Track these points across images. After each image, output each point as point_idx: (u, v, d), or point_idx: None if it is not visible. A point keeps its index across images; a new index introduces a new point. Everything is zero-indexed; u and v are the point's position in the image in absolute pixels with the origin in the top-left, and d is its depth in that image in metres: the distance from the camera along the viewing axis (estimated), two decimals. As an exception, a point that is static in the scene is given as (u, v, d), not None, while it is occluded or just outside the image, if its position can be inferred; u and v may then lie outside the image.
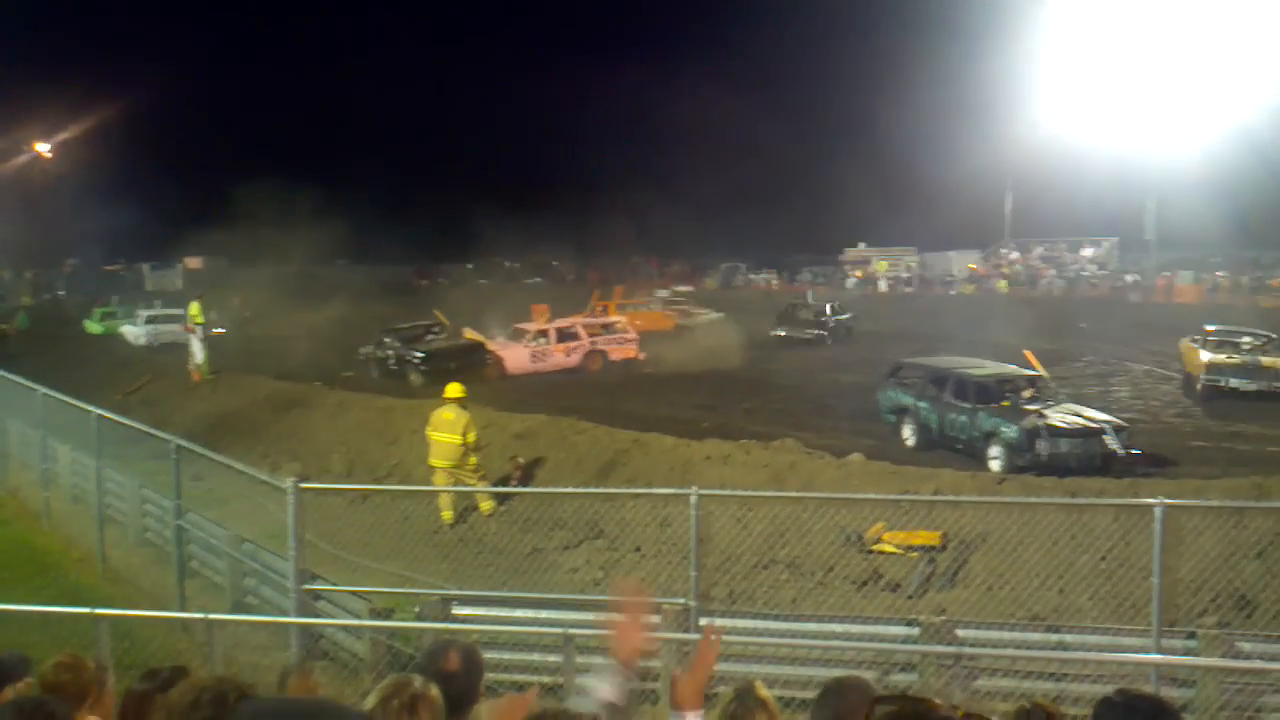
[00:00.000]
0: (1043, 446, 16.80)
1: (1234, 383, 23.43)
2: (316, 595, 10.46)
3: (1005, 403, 18.27)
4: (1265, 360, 23.72)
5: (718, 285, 64.61)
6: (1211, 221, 51.99)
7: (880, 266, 63.86)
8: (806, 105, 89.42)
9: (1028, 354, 21.33)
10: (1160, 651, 8.25)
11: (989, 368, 20.13)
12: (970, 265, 63.84)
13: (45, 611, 9.36)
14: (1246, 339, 25.22)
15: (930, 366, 20.73)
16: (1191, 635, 8.89)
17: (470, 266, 71.79)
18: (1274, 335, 25.28)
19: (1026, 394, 18.82)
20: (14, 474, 18.73)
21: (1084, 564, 11.48)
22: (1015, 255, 64.51)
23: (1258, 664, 8.49)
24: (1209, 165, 45.66)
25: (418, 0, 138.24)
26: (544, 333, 30.87)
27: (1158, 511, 8.33)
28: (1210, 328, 26.27)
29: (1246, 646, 8.75)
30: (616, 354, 31.32)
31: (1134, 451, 17.24)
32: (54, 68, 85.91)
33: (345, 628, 10.32)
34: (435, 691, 3.71)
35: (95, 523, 14.43)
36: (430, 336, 31.03)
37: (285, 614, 10.29)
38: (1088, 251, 62.28)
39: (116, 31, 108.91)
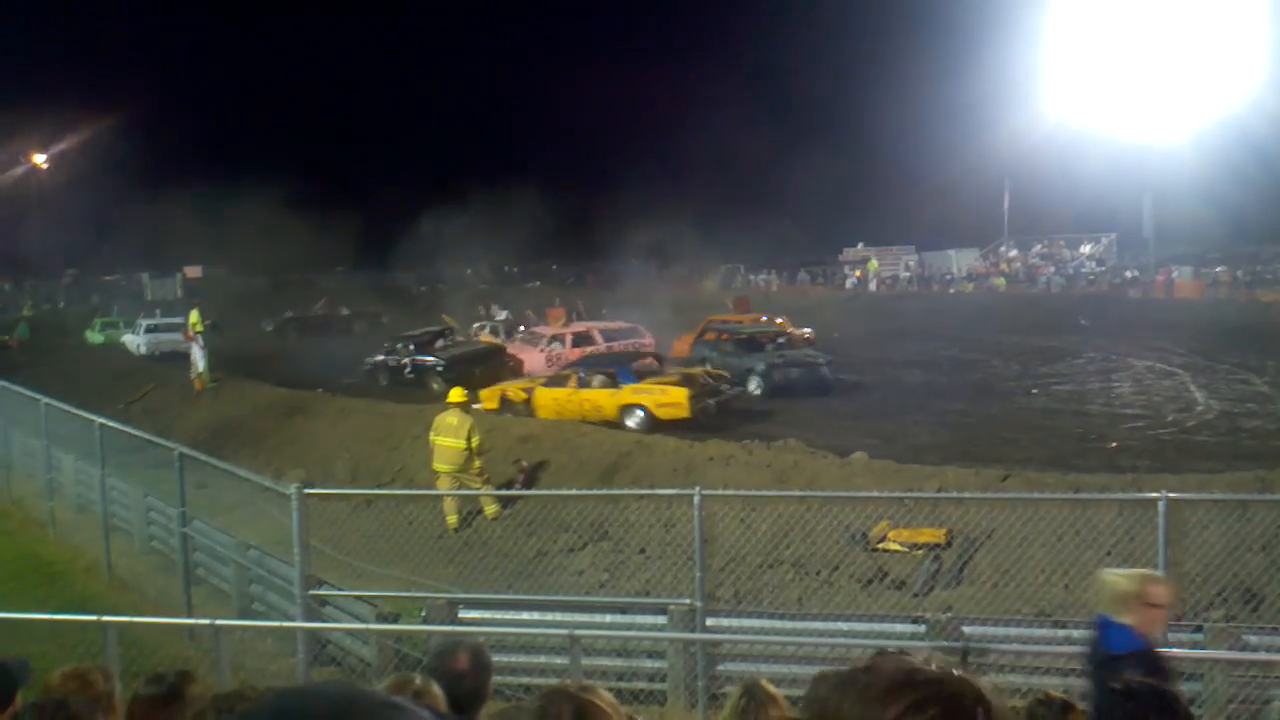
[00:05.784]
0: (778, 374, 25.50)
1: None
2: (322, 600, 10.49)
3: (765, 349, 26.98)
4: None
5: (717, 286, 64.55)
6: (1209, 217, 52.02)
7: (871, 266, 63.39)
8: (804, 105, 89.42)
9: (778, 319, 31.79)
10: (1167, 645, 8.25)
11: (753, 327, 30.18)
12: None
13: (53, 620, 9.39)
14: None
15: (720, 326, 30.47)
16: (1198, 629, 8.91)
17: (470, 271, 71.76)
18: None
19: (778, 343, 27.72)
20: (18, 484, 18.77)
21: (1089, 559, 11.47)
22: (1014, 253, 64.47)
23: (1264, 656, 8.50)
24: (1206, 161, 45.68)
25: (415, 8, 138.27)
26: (559, 337, 30.68)
27: (1161, 505, 8.33)
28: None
29: (1253, 639, 8.75)
30: None
31: (840, 378, 26.72)
32: (51, 79, 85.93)
33: (352, 632, 10.35)
34: (437, 689, 3.74)
35: (100, 532, 14.46)
36: (442, 342, 30.96)
37: (291, 620, 10.32)
38: (1086, 248, 62.21)
39: (114, 42, 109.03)
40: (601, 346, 30.14)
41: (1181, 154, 46.27)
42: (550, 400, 22.25)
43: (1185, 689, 7.81)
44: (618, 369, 22.72)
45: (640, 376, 22.78)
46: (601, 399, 21.85)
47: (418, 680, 3.78)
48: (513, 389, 23.59)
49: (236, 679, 8.30)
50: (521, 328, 34.79)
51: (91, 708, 4.19)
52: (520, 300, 49.06)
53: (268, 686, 3.54)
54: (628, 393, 21.69)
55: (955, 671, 1.53)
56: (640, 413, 21.25)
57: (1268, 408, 21.86)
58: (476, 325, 36.55)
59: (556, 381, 23.02)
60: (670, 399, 21.26)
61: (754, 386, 25.55)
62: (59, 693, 4.39)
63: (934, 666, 1.54)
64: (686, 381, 22.39)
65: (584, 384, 22.36)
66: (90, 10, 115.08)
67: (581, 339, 30.45)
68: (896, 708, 1.48)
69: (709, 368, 25.31)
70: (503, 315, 40.32)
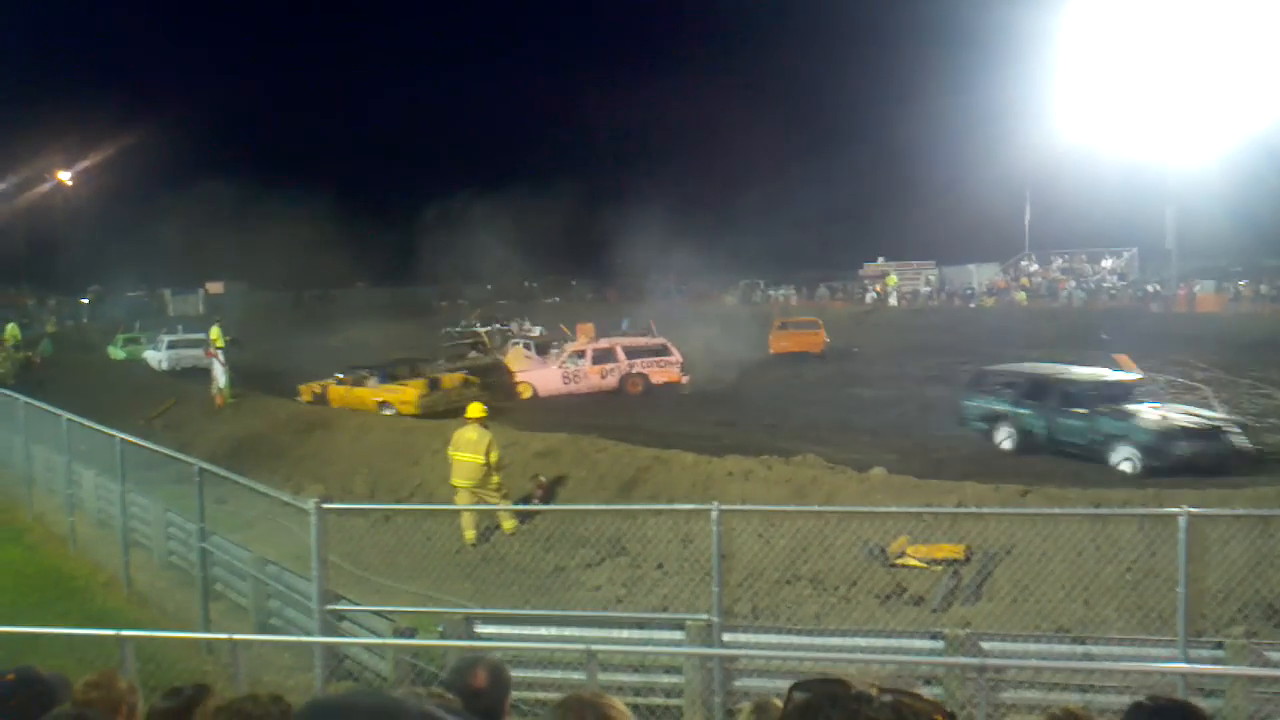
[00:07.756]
0: (1180, 447, 16.99)
1: None
2: (340, 616, 10.48)
3: (1126, 407, 18.40)
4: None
5: (737, 301, 64.57)
6: (1232, 231, 51.69)
7: (890, 281, 63.09)
8: (824, 119, 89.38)
9: (1122, 358, 22.71)
10: (1187, 662, 8.18)
11: (1089, 373, 20.67)
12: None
13: (71, 634, 9.43)
14: None
15: (1026, 373, 20.83)
16: (1219, 645, 8.82)
17: (489, 288, 71.93)
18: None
19: (1130, 397, 19.07)
20: (40, 499, 18.85)
21: (1109, 575, 11.41)
22: (1035, 267, 64.26)
23: (1286, 673, 8.41)
24: (1228, 174, 45.37)
25: (437, 25, 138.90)
26: (580, 353, 30.62)
27: (1181, 521, 8.26)
28: None
29: (1275, 656, 8.67)
30: (659, 377, 30.26)
31: (1255, 447, 17.83)
32: (75, 96, 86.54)
33: (369, 647, 10.34)
34: (456, 702, 3.73)
35: (120, 546, 14.50)
36: (474, 354, 31.69)
37: (309, 635, 10.33)
38: (1107, 262, 61.92)
39: (137, 59, 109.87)
40: (623, 363, 30.01)
41: (1204, 167, 46.02)
42: (337, 395, 27.95)
43: (1206, 705, 7.76)
44: (379, 372, 28.32)
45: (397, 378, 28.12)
46: (365, 395, 27.33)
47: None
48: (316, 385, 28.82)
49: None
50: (555, 343, 34.88)
51: (110, 716, 4.21)
52: (536, 315, 49.24)
53: (269, 694, 3.55)
54: (382, 390, 27.15)
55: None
56: (389, 408, 26.45)
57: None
58: (511, 341, 36.62)
59: (342, 381, 28.37)
60: (404, 396, 26.57)
61: (1125, 462, 17.41)
62: (80, 702, 4.40)
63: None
64: (432, 384, 27.63)
65: (358, 383, 27.97)
66: (115, 28, 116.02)
67: (602, 355, 30.41)
68: None
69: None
70: (536, 331, 40.48)
